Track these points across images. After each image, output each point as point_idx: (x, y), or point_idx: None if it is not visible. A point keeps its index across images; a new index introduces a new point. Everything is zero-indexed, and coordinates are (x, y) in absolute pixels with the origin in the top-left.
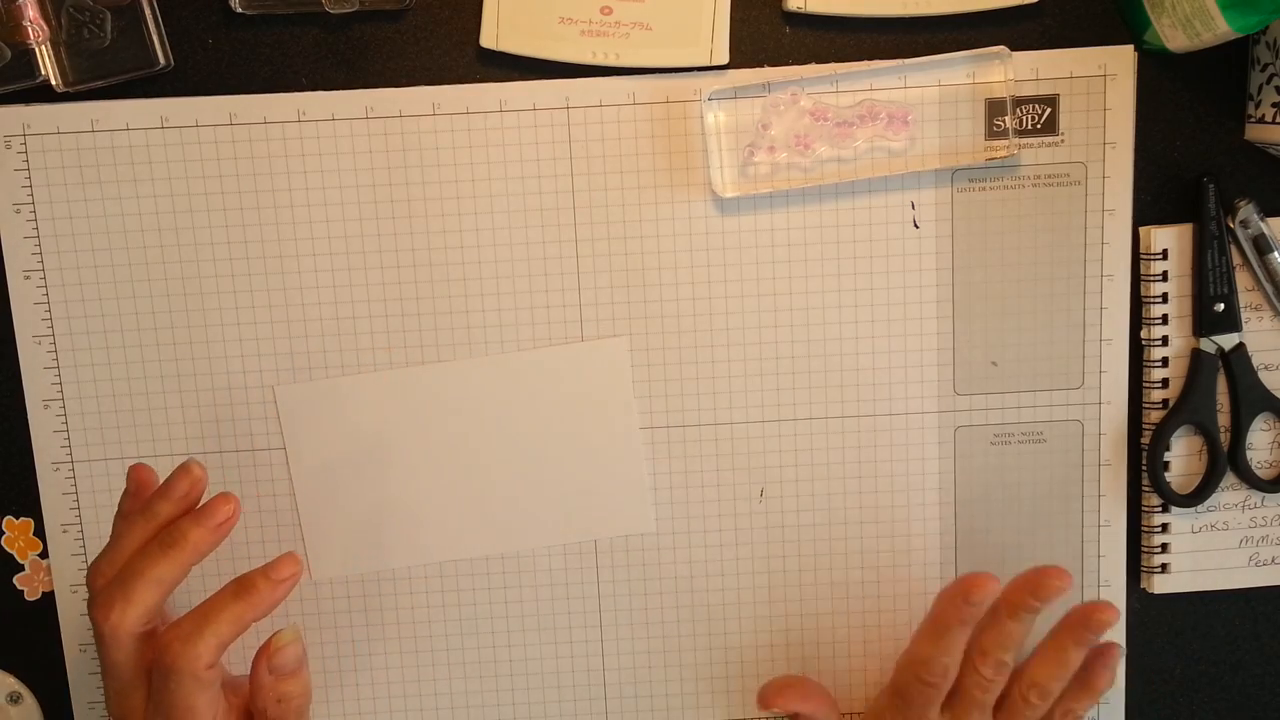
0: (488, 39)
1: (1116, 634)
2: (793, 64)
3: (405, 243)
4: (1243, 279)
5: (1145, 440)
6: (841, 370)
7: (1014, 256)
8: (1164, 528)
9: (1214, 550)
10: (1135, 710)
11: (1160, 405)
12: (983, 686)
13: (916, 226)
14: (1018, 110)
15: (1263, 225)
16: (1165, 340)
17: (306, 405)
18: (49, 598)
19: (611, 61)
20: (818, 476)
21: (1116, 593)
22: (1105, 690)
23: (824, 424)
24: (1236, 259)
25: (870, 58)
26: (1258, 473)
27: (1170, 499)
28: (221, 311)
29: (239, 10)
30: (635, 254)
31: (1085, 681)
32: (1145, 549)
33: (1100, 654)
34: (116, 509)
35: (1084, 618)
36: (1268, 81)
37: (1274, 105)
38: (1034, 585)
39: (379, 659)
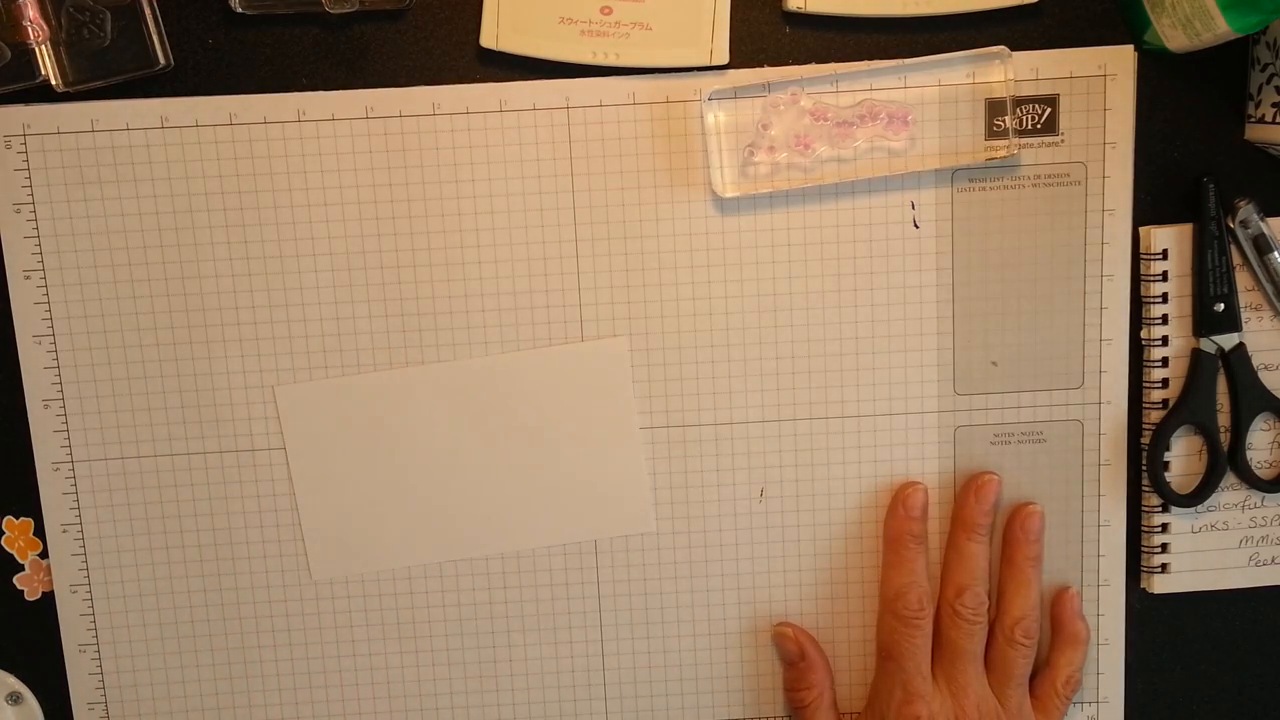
0: (488, 39)
1: (1116, 634)
2: (793, 64)
3: (405, 243)
4: (1243, 279)
5: (1145, 440)
6: (841, 370)
7: (1014, 256)
8: (1164, 528)
9: (1214, 550)
10: (1135, 710)
11: (1160, 405)
12: (967, 632)
13: (916, 226)
14: (1018, 110)
15: (1263, 225)
16: (1165, 340)
17: (306, 405)
18: (49, 598)
19: (611, 61)
20: (818, 476)
21: (1116, 593)
22: (1089, 639)
23: (824, 424)
24: (1236, 259)
25: (870, 58)
26: (1258, 473)
27: (1170, 499)
28: (221, 311)
29: (239, 10)
30: (635, 254)
31: (1067, 636)
32: (1145, 549)
33: (1063, 604)
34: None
35: (1019, 532)
36: (1268, 81)
37: (1274, 105)
38: (973, 492)
39: (379, 659)
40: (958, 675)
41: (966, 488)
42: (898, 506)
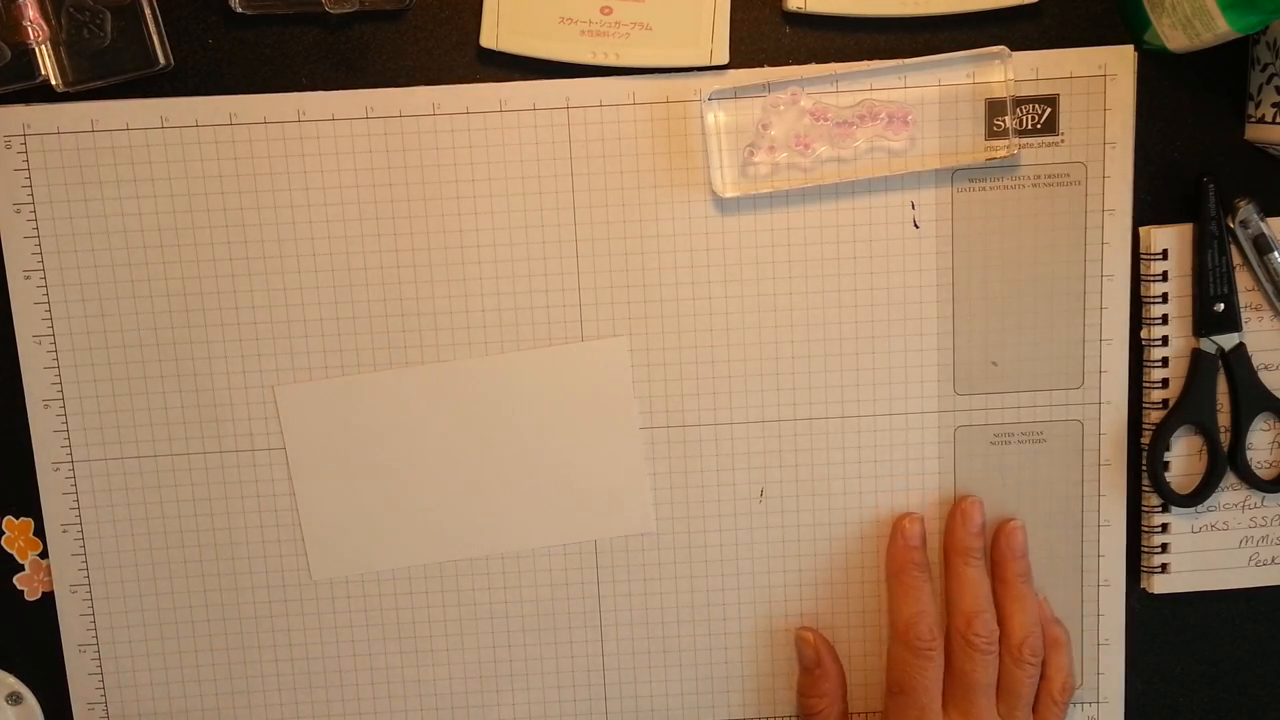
0: (488, 39)
1: (1116, 634)
2: (793, 64)
3: (405, 243)
4: (1243, 279)
5: (1145, 440)
6: (841, 370)
7: (1014, 256)
8: (1164, 528)
9: (1214, 550)
10: (1135, 710)
11: (1160, 405)
12: (982, 664)
13: (916, 226)
14: (1018, 110)
15: (1263, 225)
16: (1165, 340)
17: (306, 405)
18: (49, 598)
19: (611, 61)
20: (818, 476)
21: (1116, 593)
22: (1069, 638)
23: (824, 424)
24: (1236, 259)
25: (870, 58)
26: (1258, 473)
27: (1170, 499)
28: (221, 311)
29: (239, 10)
30: (635, 254)
31: (1049, 642)
32: (1145, 549)
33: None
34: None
35: (1005, 549)
36: (1268, 81)
37: (1274, 105)
38: (959, 517)
39: (379, 659)
40: (971, 708)
41: (952, 514)
42: (897, 537)
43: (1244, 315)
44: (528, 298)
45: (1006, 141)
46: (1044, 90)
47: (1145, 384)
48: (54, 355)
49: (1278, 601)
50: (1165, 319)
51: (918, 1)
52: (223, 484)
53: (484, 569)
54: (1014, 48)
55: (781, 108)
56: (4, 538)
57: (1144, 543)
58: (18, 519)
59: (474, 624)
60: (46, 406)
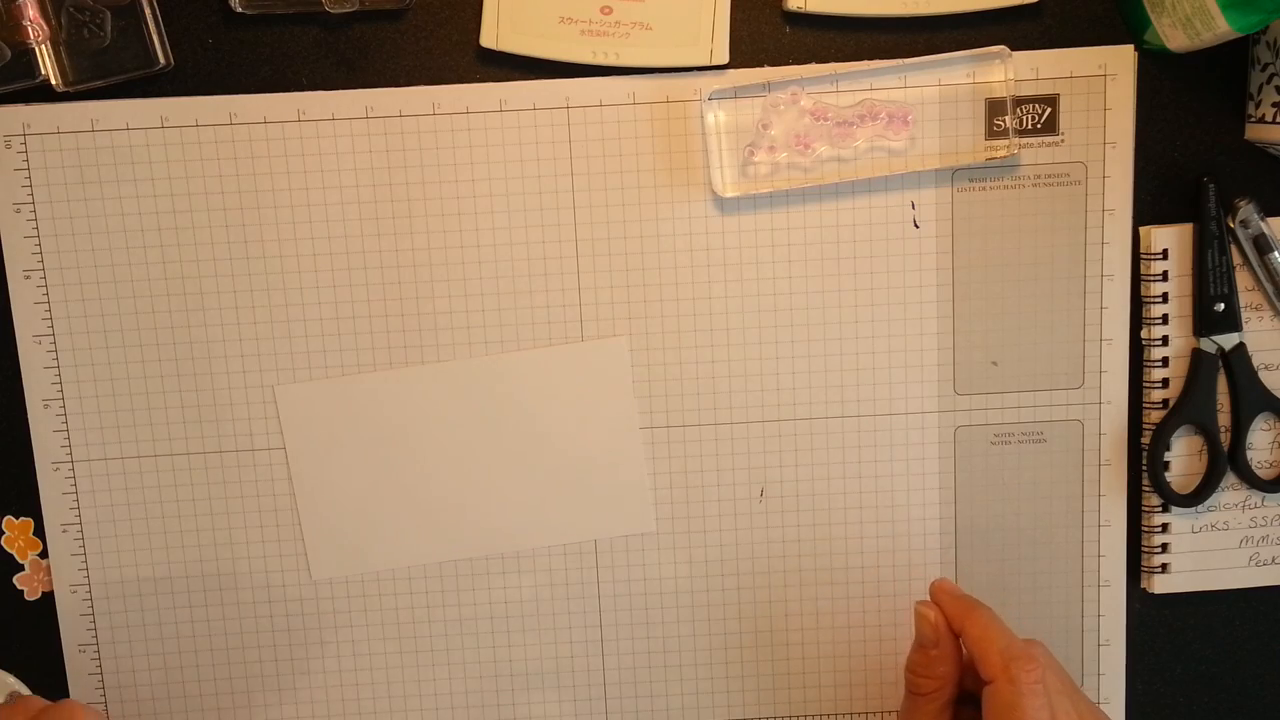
0: (488, 39)
1: (1116, 634)
2: (793, 64)
3: (405, 243)
4: (1243, 279)
5: (1145, 440)
6: (841, 370)
7: (1014, 256)
8: (1164, 528)
9: (1214, 550)
10: (1135, 710)
11: (1160, 405)
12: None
13: (916, 226)
14: (1018, 110)
15: (1263, 225)
16: (1165, 340)
17: (306, 405)
18: (49, 598)
19: (611, 61)
20: (818, 476)
21: (1116, 593)
22: (977, 602)
23: (824, 424)
24: (1236, 259)
25: (870, 58)
26: (1258, 473)
27: (1170, 499)
28: (221, 311)
29: (239, 10)
30: (635, 254)
31: (964, 609)
32: (1145, 549)
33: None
34: None
35: (941, 604)
36: (1268, 81)
37: (1274, 105)
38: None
39: (379, 659)
40: None
41: (943, 598)
42: (942, 595)
43: (1244, 315)
44: (528, 298)
45: (1006, 141)
46: (1044, 90)
47: (1145, 384)
48: (54, 355)
49: (1278, 601)
50: (1165, 319)
51: (918, 1)
52: (223, 484)
53: (484, 569)
54: (1014, 48)
55: (781, 107)
56: (4, 538)
57: (1144, 543)
58: (18, 519)
59: (474, 624)
60: (46, 406)
